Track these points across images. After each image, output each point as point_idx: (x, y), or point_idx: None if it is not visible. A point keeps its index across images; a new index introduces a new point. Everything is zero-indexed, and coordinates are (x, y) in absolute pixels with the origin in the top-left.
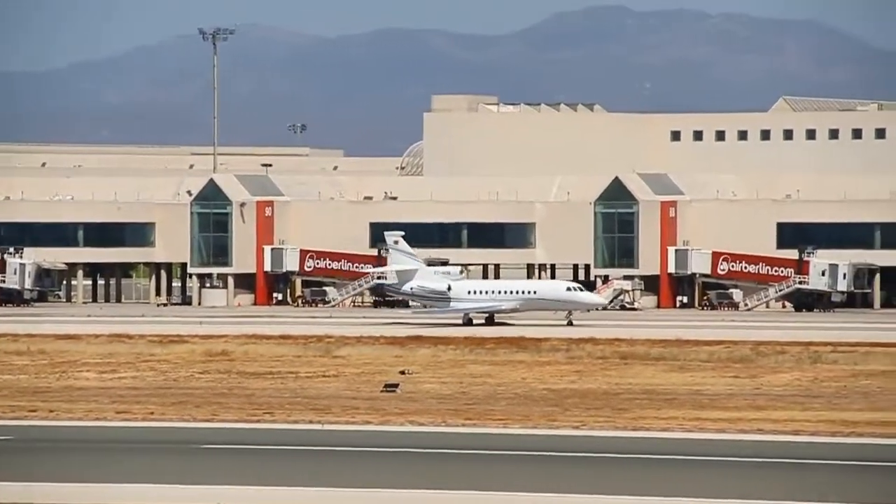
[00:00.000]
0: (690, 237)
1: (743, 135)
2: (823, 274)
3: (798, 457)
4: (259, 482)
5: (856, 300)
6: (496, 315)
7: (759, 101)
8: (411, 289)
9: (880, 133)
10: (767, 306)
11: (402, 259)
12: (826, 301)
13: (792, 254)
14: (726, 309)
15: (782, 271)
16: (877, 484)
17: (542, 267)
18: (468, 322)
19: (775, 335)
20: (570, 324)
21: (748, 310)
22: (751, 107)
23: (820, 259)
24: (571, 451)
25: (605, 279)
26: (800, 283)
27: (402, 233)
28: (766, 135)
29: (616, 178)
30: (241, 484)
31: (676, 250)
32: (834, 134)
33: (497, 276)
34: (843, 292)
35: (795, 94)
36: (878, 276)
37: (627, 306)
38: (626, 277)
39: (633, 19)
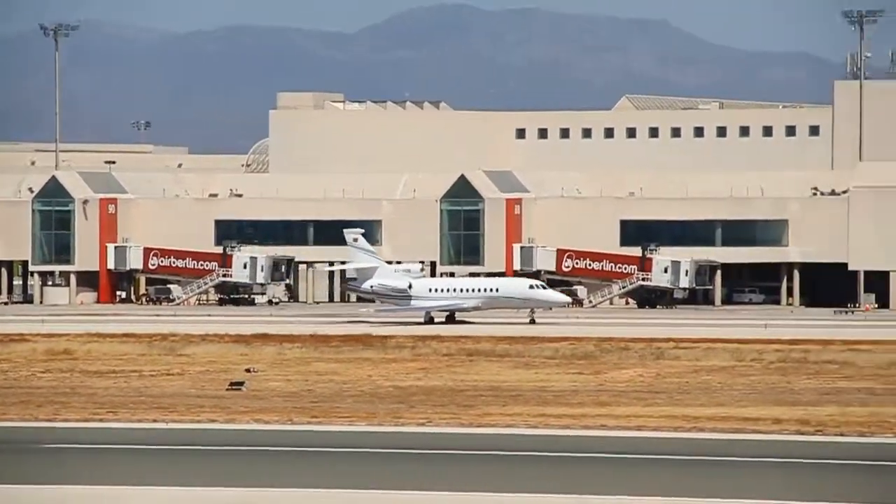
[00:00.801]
0: (536, 234)
1: (587, 133)
2: (666, 271)
3: (640, 452)
4: (99, 481)
5: (697, 296)
6: (457, 313)
7: (604, 100)
8: (371, 287)
9: (721, 131)
10: (611, 303)
11: (362, 257)
12: (669, 297)
13: (635, 251)
14: (574, 305)
15: (626, 268)
16: (718, 479)
17: (388, 263)
18: (430, 321)
19: (619, 332)
20: (532, 322)
21: (592, 307)
22: (595, 105)
23: (662, 256)
24: (416, 448)
25: (451, 276)
26: (643, 279)
27: (362, 230)
28: (609, 133)
29: (462, 175)
30: (82, 483)
31: (521, 247)
32: (676, 132)
33: (343, 276)
34: (685, 289)
35: (638, 92)
36: (719, 273)
37: None
38: (471, 274)
39: (481, 18)
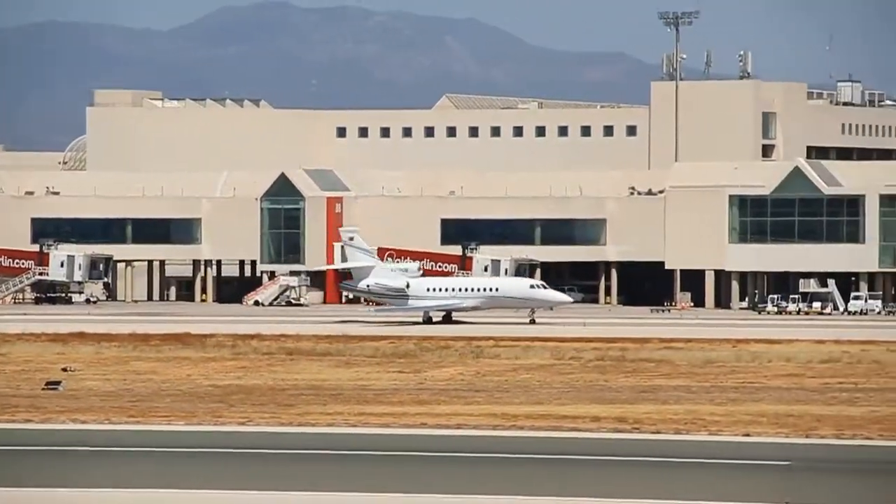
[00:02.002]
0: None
1: (408, 132)
2: (486, 269)
3: (460, 450)
4: None
5: None
6: (454, 313)
7: (424, 99)
8: (368, 286)
9: (540, 131)
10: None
11: (358, 256)
12: None
13: (456, 249)
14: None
15: (446, 267)
16: (535, 476)
17: (207, 262)
18: (428, 320)
19: (439, 330)
20: (532, 322)
21: None
22: (415, 104)
23: (483, 255)
24: (235, 447)
25: (272, 275)
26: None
27: (357, 229)
28: (430, 132)
29: (282, 173)
30: None
31: (342, 246)
32: (496, 131)
33: (162, 272)
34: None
35: (458, 91)
36: (538, 271)
37: (294, 302)
38: (292, 273)
39: (298, 16)
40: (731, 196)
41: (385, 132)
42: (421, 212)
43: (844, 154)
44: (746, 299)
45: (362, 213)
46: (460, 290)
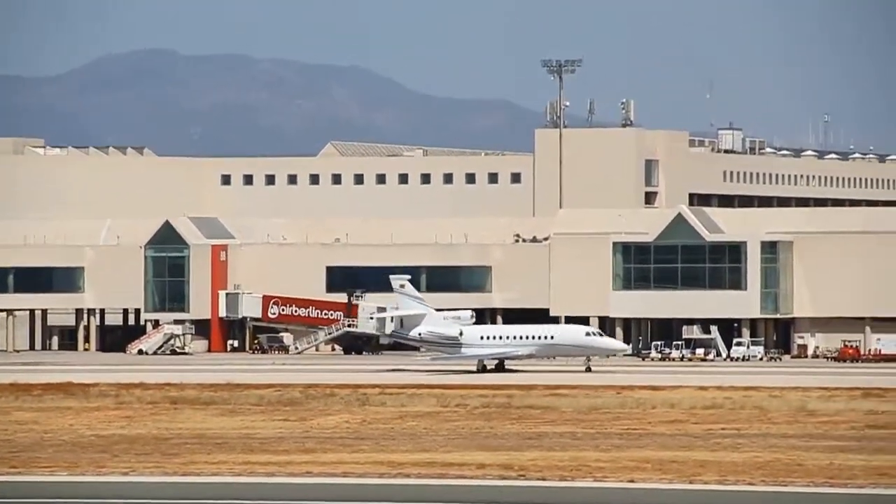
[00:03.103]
0: (242, 281)
1: (293, 179)
2: (372, 317)
3: (344, 499)
4: None
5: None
6: (508, 362)
7: (309, 146)
8: (419, 334)
9: (426, 178)
10: (318, 349)
11: (409, 303)
12: (374, 344)
13: (342, 297)
14: (277, 352)
15: (332, 314)
16: None
17: (91, 311)
18: (483, 368)
19: (325, 378)
20: (588, 370)
21: (298, 353)
22: (300, 152)
23: (368, 302)
24: (117, 497)
25: (156, 323)
26: (348, 326)
27: (409, 276)
28: (315, 179)
29: (166, 221)
30: None
31: (227, 294)
32: (381, 179)
33: (44, 321)
34: (390, 335)
35: (343, 138)
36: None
37: (178, 351)
38: (176, 322)
39: (182, 63)
40: (614, 243)
41: (270, 179)
42: (306, 259)
43: (726, 201)
44: (630, 346)
45: (248, 261)
46: (514, 338)
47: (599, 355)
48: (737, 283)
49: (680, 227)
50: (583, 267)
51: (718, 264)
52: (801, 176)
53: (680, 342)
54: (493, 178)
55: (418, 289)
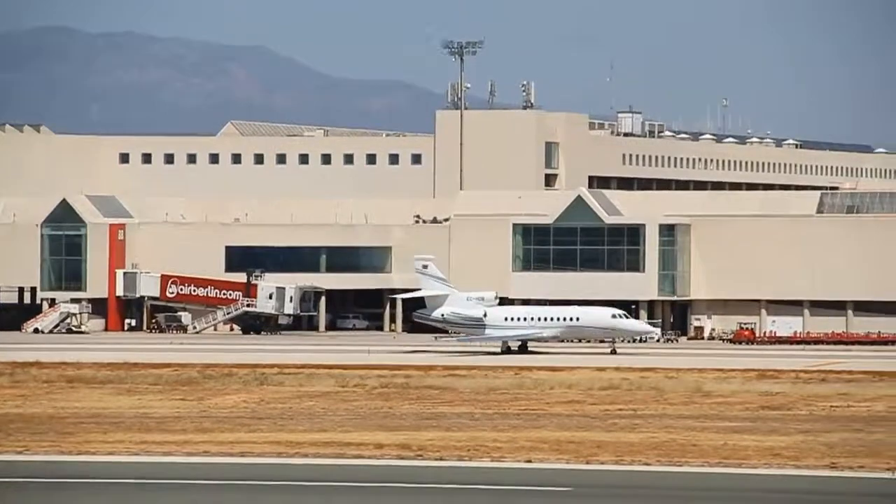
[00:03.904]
0: (140, 260)
1: (192, 158)
2: (271, 297)
3: (242, 478)
4: None
5: (302, 322)
6: (533, 343)
7: (209, 125)
8: (443, 315)
9: (326, 158)
10: (216, 329)
11: (432, 284)
12: (273, 323)
13: (241, 277)
14: (175, 332)
15: (231, 294)
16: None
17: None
18: (507, 350)
19: (223, 358)
20: (613, 352)
21: (196, 332)
22: (200, 130)
23: (267, 282)
24: (13, 476)
25: (52, 302)
26: (248, 306)
27: (433, 257)
28: (214, 158)
29: (63, 199)
30: None
31: (125, 273)
32: (281, 159)
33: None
34: (289, 315)
35: (243, 118)
36: (323, 299)
37: (75, 329)
38: (73, 300)
39: (80, 41)
40: (514, 224)
41: (169, 158)
42: (205, 239)
43: (625, 184)
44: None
45: (146, 241)
46: (539, 319)
47: (626, 337)
48: (635, 265)
49: (579, 210)
50: (483, 248)
51: (617, 246)
52: (700, 159)
53: None
54: (393, 158)
55: (317, 269)
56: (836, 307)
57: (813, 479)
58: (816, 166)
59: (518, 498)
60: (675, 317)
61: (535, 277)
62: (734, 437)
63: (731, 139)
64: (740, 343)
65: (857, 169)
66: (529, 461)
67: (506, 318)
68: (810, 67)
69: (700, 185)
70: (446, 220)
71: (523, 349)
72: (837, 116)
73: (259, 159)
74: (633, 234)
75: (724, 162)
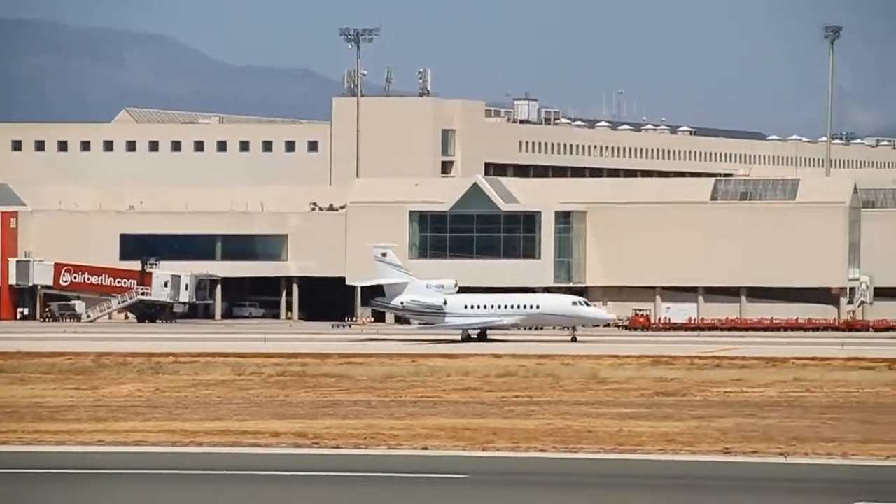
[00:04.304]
0: (34, 248)
1: (86, 146)
2: (166, 285)
3: (137, 467)
4: None
5: (198, 311)
6: (493, 331)
7: (103, 113)
8: (402, 303)
9: (222, 146)
10: (110, 317)
11: (391, 272)
12: (169, 312)
13: (136, 265)
14: (69, 320)
15: (125, 283)
16: (216, 492)
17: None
18: (467, 338)
19: (118, 346)
20: (574, 340)
21: (91, 321)
22: (94, 118)
23: (162, 270)
24: None
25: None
26: (143, 294)
27: (392, 245)
28: (109, 146)
29: None
30: None
31: (17, 262)
32: (177, 146)
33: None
34: (185, 303)
35: (139, 105)
36: (219, 287)
37: None
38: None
39: None
40: (411, 212)
41: (63, 146)
42: (100, 227)
43: (521, 171)
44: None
45: (39, 229)
46: (500, 307)
47: (586, 325)
48: (531, 252)
49: (476, 197)
50: (379, 235)
51: (513, 234)
52: (595, 147)
53: None
54: (289, 146)
55: (213, 257)
56: (729, 294)
57: (707, 464)
58: (710, 153)
59: (414, 486)
60: None
61: (431, 265)
62: (629, 423)
63: (626, 126)
64: (635, 329)
65: (750, 156)
66: (426, 448)
67: (466, 306)
68: (703, 55)
69: (596, 173)
70: (343, 207)
71: (482, 337)
72: (731, 104)
73: (154, 146)
74: (529, 221)
75: (619, 149)
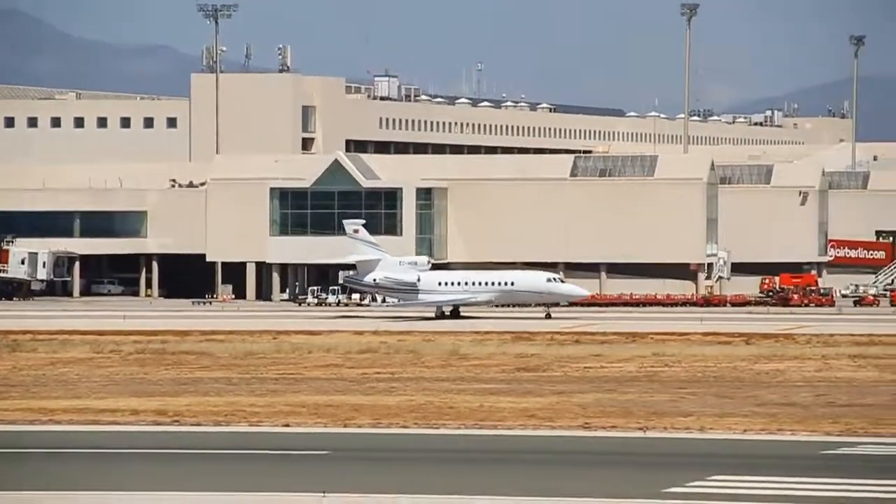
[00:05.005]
0: None
1: None
2: (23, 262)
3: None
4: None
5: (56, 288)
6: (466, 308)
7: None
8: (375, 280)
9: (79, 122)
10: None
11: (363, 249)
12: (26, 289)
13: None
14: None
15: None
16: (74, 470)
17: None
18: (441, 315)
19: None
20: (548, 317)
21: None
22: None
23: (19, 248)
24: None
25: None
26: (0, 271)
27: (363, 221)
28: None
29: None
30: None
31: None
32: (33, 122)
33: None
34: (43, 280)
35: None
36: (77, 264)
37: None
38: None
39: None
40: (271, 189)
41: None
42: None
43: (382, 148)
44: (287, 291)
45: None
46: (474, 283)
47: (560, 302)
48: (393, 228)
49: (337, 174)
50: (240, 212)
51: (375, 210)
52: (456, 123)
53: (336, 287)
54: (148, 122)
55: (71, 234)
56: (589, 269)
57: (567, 439)
58: (570, 130)
59: (276, 462)
60: None
61: (292, 241)
62: (490, 398)
63: (486, 103)
64: (497, 306)
65: (609, 133)
66: (287, 426)
67: (439, 283)
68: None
69: (457, 149)
70: (203, 184)
71: (455, 314)
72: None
73: (9, 123)
74: (391, 197)
75: (479, 126)
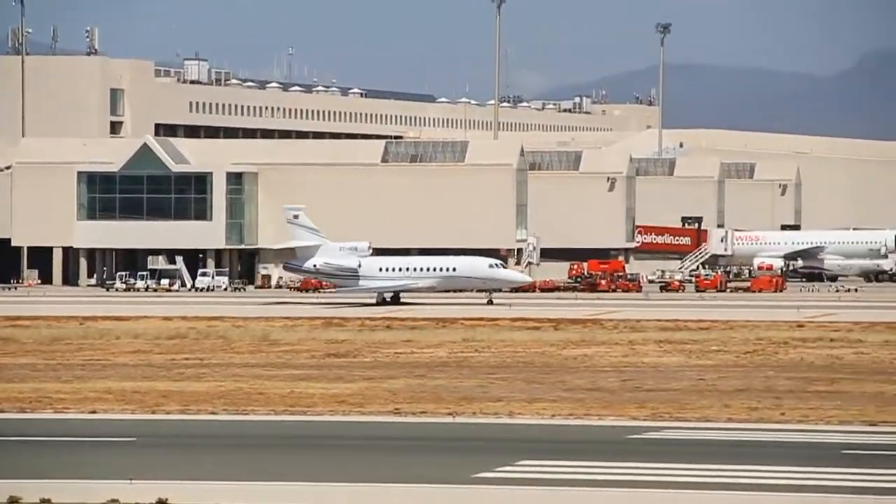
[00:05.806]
0: None
1: None
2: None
3: None
4: None
5: None
6: (407, 294)
7: None
8: (315, 266)
9: None
10: None
11: (303, 234)
12: None
13: None
14: None
15: None
16: None
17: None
18: (382, 301)
19: None
20: (490, 303)
21: None
22: None
23: None
24: None
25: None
26: None
27: (304, 206)
28: None
29: None
30: None
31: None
32: None
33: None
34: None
35: None
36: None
37: None
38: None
39: None
40: (79, 172)
41: None
42: None
43: (192, 132)
44: (95, 276)
45: None
46: (415, 269)
47: (503, 288)
48: (202, 213)
49: (146, 158)
50: (46, 197)
51: (184, 195)
52: (267, 108)
53: (145, 273)
54: None
55: None
56: (401, 255)
57: (377, 424)
58: (381, 115)
59: (81, 449)
60: (243, 265)
61: (100, 226)
62: (300, 384)
63: (297, 88)
64: (307, 291)
65: (420, 118)
66: (94, 412)
67: (380, 269)
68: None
69: (267, 134)
70: (8, 168)
71: (396, 300)
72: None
73: None
74: (200, 182)
75: (291, 111)
